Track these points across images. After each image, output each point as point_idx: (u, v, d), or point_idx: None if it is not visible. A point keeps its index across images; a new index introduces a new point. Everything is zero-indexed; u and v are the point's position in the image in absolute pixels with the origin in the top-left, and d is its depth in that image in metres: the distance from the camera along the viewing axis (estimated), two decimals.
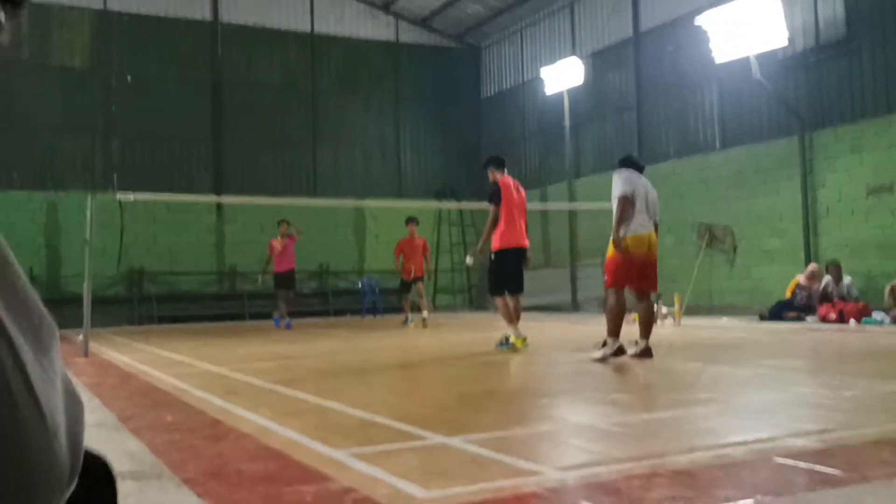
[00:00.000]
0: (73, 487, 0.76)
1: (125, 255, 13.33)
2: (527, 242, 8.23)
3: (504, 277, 8.07)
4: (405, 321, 13.77)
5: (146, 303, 17.89)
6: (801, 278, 12.43)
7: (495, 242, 8.12)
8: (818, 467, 2.79)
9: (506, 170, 8.48)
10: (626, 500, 2.45)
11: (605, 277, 6.90)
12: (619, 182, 6.78)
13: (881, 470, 2.71)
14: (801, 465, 2.84)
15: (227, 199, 16.16)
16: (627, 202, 6.64)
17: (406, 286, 13.94)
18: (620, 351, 6.60)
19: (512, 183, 8.31)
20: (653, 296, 7.30)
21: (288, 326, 14.00)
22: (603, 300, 7.00)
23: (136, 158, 18.15)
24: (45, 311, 0.76)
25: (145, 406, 4.74)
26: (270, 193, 17.86)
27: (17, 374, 0.68)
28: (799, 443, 3.20)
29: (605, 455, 3.11)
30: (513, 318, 7.94)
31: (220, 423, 4.07)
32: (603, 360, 6.51)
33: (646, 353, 6.72)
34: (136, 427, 3.95)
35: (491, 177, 8.36)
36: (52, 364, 0.74)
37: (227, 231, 18.82)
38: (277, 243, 14.03)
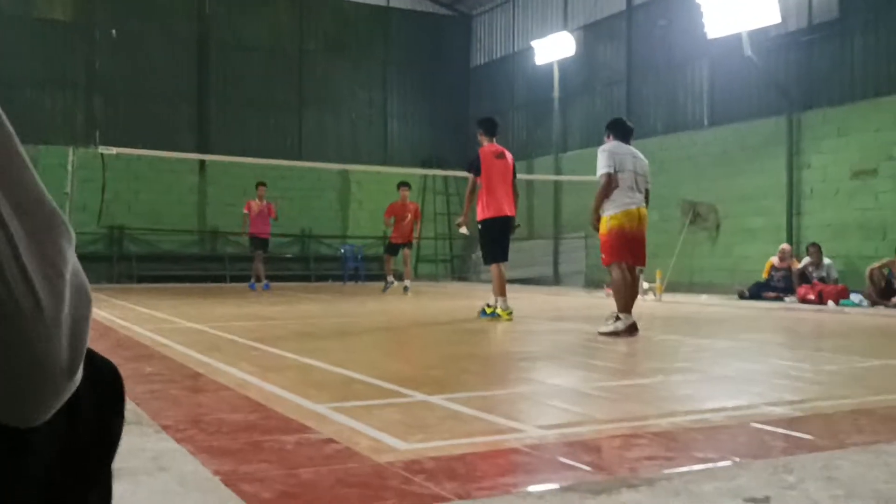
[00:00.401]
0: (73, 386, 0.74)
1: (106, 212, 13.17)
2: (511, 210, 8.14)
3: (490, 246, 8.11)
4: (385, 287, 13.70)
5: (126, 261, 17.75)
6: (774, 259, 12.57)
7: (480, 213, 8.12)
8: (795, 433, 2.82)
9: (495, 136, 8.40)
10: (605, 458, 2.46)
11: (602, 256, 6.80)
12: (604, 159, 6.65)
13: (858, 437, 2.74)
14: (779, 430, 2.86)
15: (211, 157, 16.00)
16: (610, 182, 6.55)
17: (393, 249, 13.87)
18: (633, 328, 6.37)
19: (494, 150, 8.22)
20: (637, 270, 7.22)
21: (266, 288, 14.03)
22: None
23: (119, 115, 17.91)
24: (55, 207, 0.73)
25: (125, 357, 4.70)
26: (255, 156, 17.68)
27: (11, 261, 0.66)
28: (777, 410, 3.22)
29: (585, 416, 3.12)
30: (503, 290, 7.90)
31: (201, 375, 4.05)
32: (613, 334, 6.28)
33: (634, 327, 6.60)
34: None
35: (479, 139, 8.37)
36: (60, 255, 0.72)
37: (210, 192, 18.66)
38: (255, 205, 14.03)
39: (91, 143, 15.44)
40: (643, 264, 7.04)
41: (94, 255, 17.23)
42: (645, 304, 10.64)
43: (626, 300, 6.49)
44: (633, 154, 6.82)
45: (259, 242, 14.25)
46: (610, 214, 6.62)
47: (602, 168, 6.62)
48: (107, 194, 11.58)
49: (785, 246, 12.63)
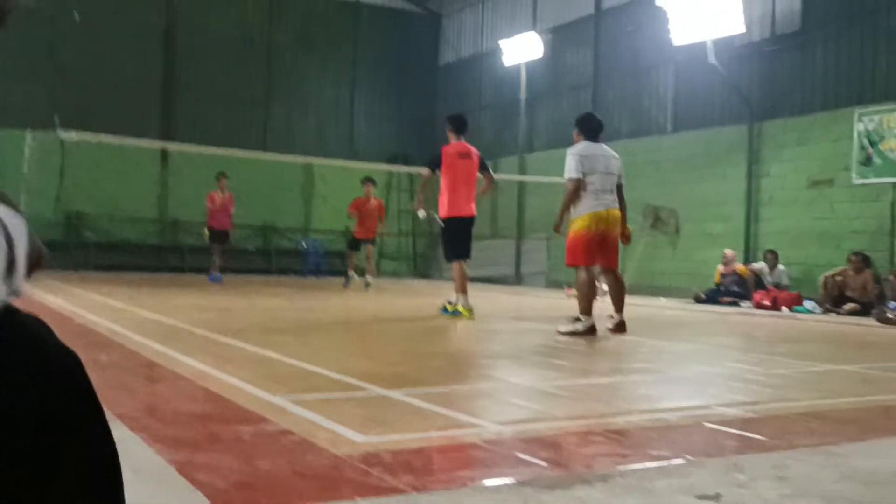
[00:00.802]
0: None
1: (64, 198, 12.94)
2: (471, 210, 8.11)
3: (451, 244, 8.14)
4: (346, 282, 13.66)
5: (83, 249, 17.43)
6: (720, 266, 12.86)
7: (442, 210, 8.13)
8: (748, 434, 2.87)
9: (463, 134, 8.36)
10: (562, 454, 2.49)
11: (566, 257, 6.77)
12: (572, 163, 6.60)
13: (808, 439, 2.80)
14: (732, 431, 2.91)
15: (175, 146, 15.79)
16: (577, 188, 6.52)
17: (356, 244, 13.84)
18: (592, 330, 6.40)
19: (459, 150, 8.19)
20: (596, 272, 7.18)
21: (218, 280, 14.06)
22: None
23: (80, 102, 17.55)
24: None
25: (79, 346, 4.60)
26: (219, 147, 17.49)
27: None
28: (731, 412, 3.28)
29: (543, 413, 3.15)
30: (465, 287, 7.87)
31: (157, 365, 4.00)
32: (572, 334, 6.31)
33: (620, 326, 6.61)
34: None
35: (448, 135, 8.38)
36: None
37: (172, 183, 18.42)
38: (217, 197, 14.03)
39: (51, 127, 15.16)
40: (615, 266, 6.88)
41: (50, 242, 16.81)
42: (604, 306, 10.73)
43: (588, 302, 6.50)
44: (604, 153, 6.75)
45: (219, 235, 14.18)
46: (577, 217, 6.61)
47: (570, 172, 6.57)
48: (66, 180, 11.38)
49: (728, 251, 12.90)
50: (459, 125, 8.41)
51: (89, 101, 17.60)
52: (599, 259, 6.70)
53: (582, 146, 6.72)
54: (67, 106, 17.35)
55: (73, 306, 7.53)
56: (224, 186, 14.11)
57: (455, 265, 8.07)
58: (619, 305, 6.77)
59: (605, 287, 12.51)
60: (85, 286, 11.20)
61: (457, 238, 8.10)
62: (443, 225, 8.19)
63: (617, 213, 6.70)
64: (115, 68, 17.87)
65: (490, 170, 8.53)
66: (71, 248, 17.27)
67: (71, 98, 17.49)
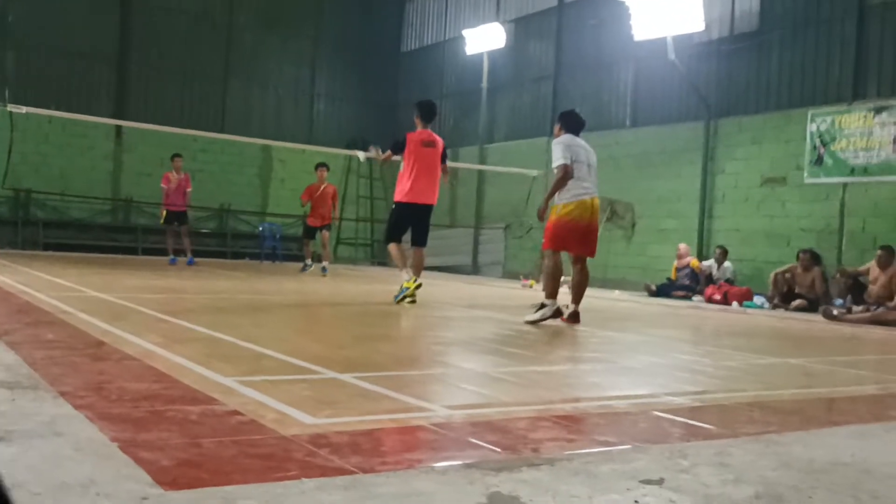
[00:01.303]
0: None
1: (12, 174, 12.59)
2: (430, 199, 8.17)
3: (393, 228, 8.24)
4: (303, 267, 13.62)
5: (31, 227, 17.04)
6: (676, 262, 13.11)
7: (399, 194, 8.16)
8: (693, 422, 2.92)
9: (429, 122, 8.33)
10: (510, 438, 2.50)
11: (544, 240, 6.85)
12: (559, 150, 6.68)
13: (751, 427, 2.86)
14: (678, 419, 2.96)
15: (129, 124, 15.47)
16: (567, 173, 6.58)
17: (310, 232, 13.76)
18: (558, 313, 6.53)
19: (424, 138, 8.20)
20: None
21: (190, 262, 13.84)
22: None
23: (31, 73, 17.12)
24: None
25: (24, 323, 4.52)
26: (175, 125, 17.22)
27: None
28: (678, 400, 3.34)
29: (493, 399, 3.16)
30: (404, 264, 8.01)
31: (104, 344, 3.93)
32: (538, 321, 6.42)
33: (574, 317, 6.65)
34: (13, 341, 3.77)
35: (415, 122, 8.36)
36: None
37: (126, 160, 18.08)
38: (173, 177, 13.82)
39: (0, 99, 14.75)
40: (592, 255, 6.93)
41: None
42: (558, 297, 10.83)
43: (553, 287, 6.61)
44: (585, 147, 6.88)
45: (175, 216, 13.97)
46: (563, 203, 6.67)
47: (558, 159, 6.65)
48: (13, 155, 11.07)
49: (682, 246, 13.13)
50: (426, 113, 8.34)
51: (40, 73, 17.17)
52: (578, 248, 6.79)
53: (565, 137, 6.82)
54: (17, 77, 16.91)
55: (19, 284, 7.36)
56: (179, 167, 13.90)
57: (391, 247, 8.25)
58: (578, 297, 6.83)
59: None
60: (32, 265, 10.96)
61: (400, 223, 8.21)
62: (393, 206, 8.31)
63: (598, 202, 6.85)
64: (67, 39, 17.43)
65: (447, 161, 8.53)
66: (19, 226, 16.88)
67: (22, 69, 17.05)
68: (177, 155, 14.10)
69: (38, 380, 2.89)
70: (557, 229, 6.70)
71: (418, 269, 8.08)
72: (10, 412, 2.39)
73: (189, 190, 14.02)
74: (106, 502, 1.65)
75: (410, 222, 8.22)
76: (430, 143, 8.21)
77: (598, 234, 6.99)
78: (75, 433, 2.19)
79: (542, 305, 6.54)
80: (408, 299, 7.80)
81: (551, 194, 6.71)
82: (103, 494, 1.70)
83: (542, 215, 6.85)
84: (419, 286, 7.89)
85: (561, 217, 6.67)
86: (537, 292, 12.34)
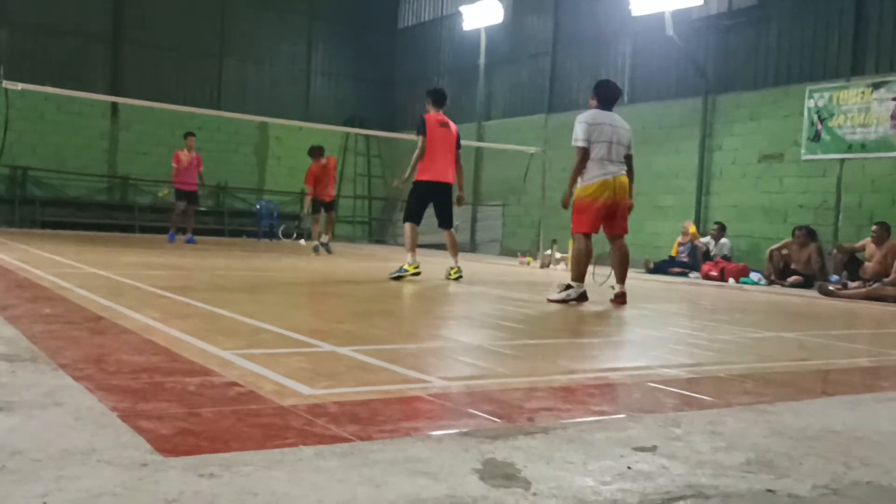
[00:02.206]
0: None
1: (8, 152, 12.58)
2: (449, 178, 8.40)
3: (414, 207, 8.36)
4: (316, 248, 13.29)
5: (29, 205, 17.04)
6: (680, 238, 13.14)
7: (418, 173, 8.37)
8: (687, 392, 2.95)
9: (442, 108, 8.57)
10: (506, 408, 2.53)
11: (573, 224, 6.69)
12: (579, 130, 6.49)
13: (744, 398, 2.89)
14: (673, 389, 2.99)
15: (125, 101, 15.40)
16: (585, 156, 6.46)
17: (318, 207, 13.48)
18: (584, 297, 6.49)
19: (439, 119, 8.43)
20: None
21: (190, 241, 13.78)
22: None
23: (26, 51, 17.04)
24: None
25: (23, 299, 4.54)
26: (171, 103, 17.17)
27: None
28: (672, 372, 3.37)
29: (489, 370, 3.19)
30: (413, 248, 8.22)
31: (103, 318, 3.95)
32: (562, 302, 6.36)
33: (619, 297, 6.54)
34: (12, 316, 3.79)
35: (427, 108, 8.57)
36: None
37: (122, 138, 18.04)
38: (184, 156, 13.73)
39: None
40: (624, 232, 6.79)
41: None
42: (556, 274, 10.87)
43: (580, 271, 6.51)
44: (613, 123, 6.59)
45: (186, 195, 13.94)
46: (583, 185, 6.53)
47: (576, 141, 6.49)
48: (10, 133, 11.04)
49: (687, 223, 13.15)
50: (438, 98, 8.59)
51: (35, 50, 17.09)
52: (607, 228, 6.67)
53: (590, 114, 6.60)
54: (12, 54, 16.82)
55: (17, 261, 7.38)
56: (191, 146, 13.84)
57: (407, 226, 8.35)
58: (620, 276, 6.69)
59: (557, 255, 12.71)
60: (30, 242, 10.96)
61: (420, 202, 8.36)
62: (412, 186, 8.39)
63: (625, 180, 6.59)
64: (62, 16, 17.34)
65: (459, 147, 8.63)
66: (17, 204, 16.87)
67: (17, 46, 16.96)
68: (190, 133, 14.05)
69: (37, 353, 2.91)
70: (579, 212, 6.57)
71: (453, 249, 8.54)
72: (10, 384, 2.41)
73: (200, 170, 14.00)
74: (107, 468, 1.67)
75: (430, 202, 8.39)
76: (445, 125, 8.44)
77: (629, 210, 6.76)
78: (75, 403, 2.22)
79: (568, 286, 6.48)
80: (454, 277, 8.28)
81: (573, 179, 6.59)
82: (104, 461, 1.72)
83: (566, 202, 6.69)
84: (460, 273, 8.34)
85: (581, 200, 6.54)
86: (534, 269, 12.39)
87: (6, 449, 1.77)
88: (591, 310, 6.16)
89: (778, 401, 2.86)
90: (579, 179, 6.56)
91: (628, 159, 6.66)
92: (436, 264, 9.72)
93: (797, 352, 4.42)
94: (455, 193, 8.63)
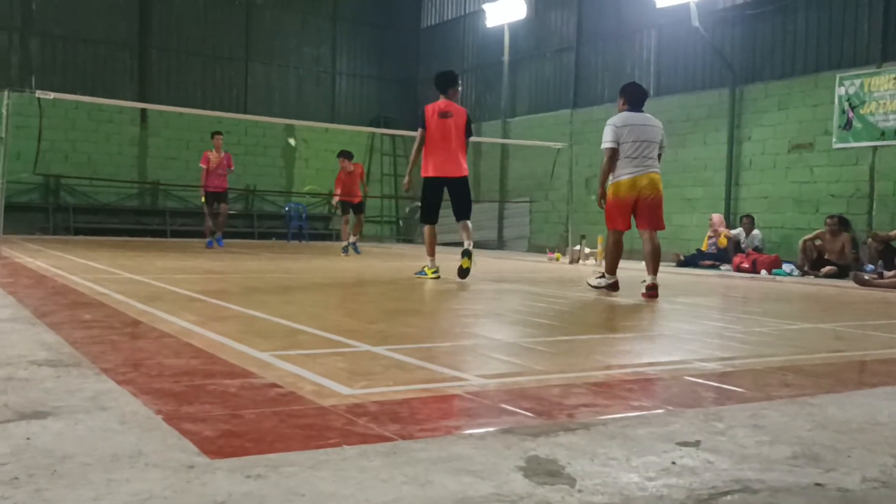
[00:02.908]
0: None
1: (42, 160, 12.77)
2: (454, 171, 7.97)
3: (423, 206, 8.15)
4: (345, 248, 13.34)
5: (62, 213, 17.31)
6: (709, 231, 13.04)
7: (422, 170, 8.08)
8: (726, 386, 2.93)
9: (445, 92, 8.08)
10: (545, 404, 2.53)
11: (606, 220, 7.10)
12: (608, 133, 6.81)
13: (785, 391, 2.86)
14: (711, 383, 2.97)
15: (153, 107, 15.59)
16: (613, 157, 6.77)
17: (347, 209, 13.46)
18: (614, 287, 6.91)
19: (440, 108, 7.96)
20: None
21: (210, 245, 13.56)
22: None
23: (56, 61, 17.31)
24: None
25: (62, 305, 4.61)
26: (198, 108, 17.33)
27: None
28: (710, 366, 3.34)
29: (525, 367, 3.19)
30: (432, 251, 8.08)
31: (141, 323, 4.01)
32: (597, 288, 6.96)
33: (650, 290, 6.65)
34: (53, 322, 3.85)
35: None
36: None
37: (151, 144, 18.25)
38: (213, 156, 13.39)
39: (27, 87, 14.90)
40: (659, 227, 6.94)
41: (29, 205, 16.78)
42: (586, 269, 10.82)
43: (612, 263, 6.99)
44: (643, 122, 6.82)
45: (215, 197, 13.58)
46: (613, 182, 6.84)
47: (604, 143, 6.83)
48: (43, 143, 11.21)
49: (714, 216, 13.03)
50: (439, 83, 8.15)
51: (65, 60, 17.36)
52: (638, 223, 6.91)
53: (619, 116, 6.88)
54: (43, 65, 17.10)
55: (53, 268, 7.50)
56: (219, 146, 13.48)
57: (424, 229, 8.20)
58: (651, 268, 6.78)
59: (586, 250, 12.65)
60: (65, 249, 11.13)
61: (427, 199, 8.09)
62: (423, 184, 8.15)
63: (655, 176, 6.80)
64: (90, 26, 17.60)
65: (470, 134, 8.18)
66: (50, 211, 17.13)
67: (47, 57, 17.23)
68: (216, 133, 13.67)
69: (79, 358, 2.96)
70: (609, 208, 6.92)
71: (467, 234, 8.07)
72: (55, 389, 2.45)
73: (231, 169, 13.64)
74: (155, 471, 1.70)
75: (438, 198, 8.08)
76: (446, 114, 7.95)
77: (662, 206, 6.98)
78: (120, 407, 2.25)
79: (603, 275, 7.01)
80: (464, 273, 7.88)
81: (603, 179, 6.92)
82: (151, 464, 1.74)
83: (601, 201, 7.00)
84: (467, 256, 7.88)
85: (612, 197, 6.86)
86: (563, 265, 12.34)
87: (56, 454, 1.80)
88: (623, 304, 6.13)
89: (819, 393, 2.83)
90: (611, 178, 6.85)
91: (660, 155, 6.94)
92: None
93: (835, 343, 4.36)
94: (468, 185, 8.24)
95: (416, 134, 8.09)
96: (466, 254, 7.87)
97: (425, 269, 8.02)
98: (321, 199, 19.20)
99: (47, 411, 2.17)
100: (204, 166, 13.47)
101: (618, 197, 6.79)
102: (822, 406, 2.59)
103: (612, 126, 6.81)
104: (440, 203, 8.16)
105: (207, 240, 13.78)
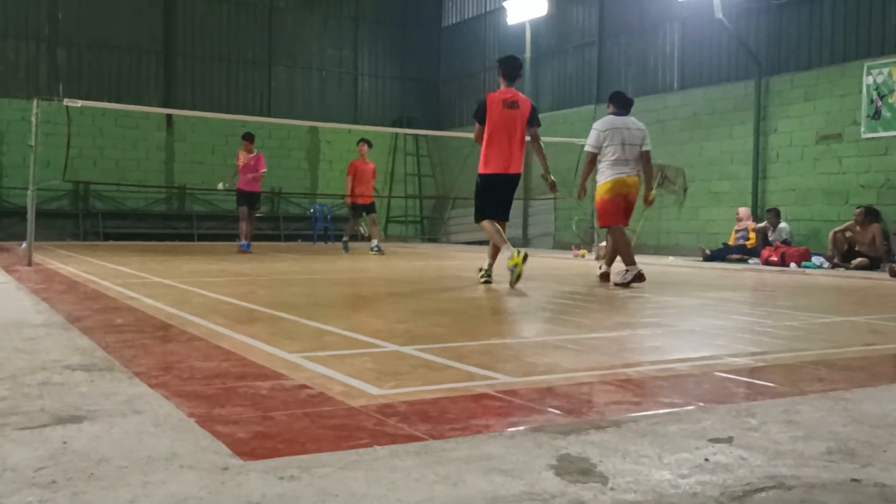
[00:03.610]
0: None
1: (71, 167, 12.94)
2: (511, 168, 7.20)
3: (482, 205, 7.32)
4: (345, 246, 13.40)
5: (91, 218, 17.53)
6: (736, 225, 12.93)
7: (480, 165, 7.33)
8: (758, 381, 2.90)
9: (514, 80, 7.30)
10: (574, 402, 2.52)
11: (598, 221, 7.85)
12: (591, 137, 7.53)
13: (817, 385, 2.83)
14: (742, 379, 2.94)
15: (179, 112, 15.73)
16: (592, 159, 7.57)
17: (360, 211, 13.65)
18: (641, 277, 7.25)
19: (504, 98, 7.19)
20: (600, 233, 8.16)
21: (246, 248, 12.91)
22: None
23: (82, 68, 17.53)
24: None
25: (94, 310, 4.67)
26: (223, 112, 17.46)
27: None
28: (740, 361, 3.31)
29: (554, 365, 3.18)
30: (502, 238, 7.15)
31: (172, 326, 4.05)
32: (624, 284, 7.22)
33: (604, 277, 7.67)
34: (86, 327, 3.91)
35: (498, 82, 7.44)
36: None
37: (178, 149, 18.43)
38: (242, 156, 13.12)
39: (55, 95, 15.11)
40: (626, 224, 7.72)
41: (59, 212, 17.01)
42: (613, 266, 10.76)
43: (627, 256, 7.37)
44: (626, 126, 7.46)
45: (244, 197, 13.06)
46: (602, 183, 7.51)
47: (587, 146, 7.59)
48: (71, 150, 11.35)
49: (741, 209, 12.91)
50: (509, 69, 7.29)
51: (91, 68, 17.58)
52: (622, 219, 7.63)
53: (603, 121, 7.60)
54: (70, 73, 17.34)
55: (84, 273, 7.59)
56: (248, 148, 13.09)
57: (484, 224, 7.32)
58: (610, 259, 7.79)
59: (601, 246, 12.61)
60: (95, 254, 11.27)
61: (485, 198, 7.28)
62: (477, 181, 7.37)
63: (636, 179, 7.53)
64: (115, 33, 17.82)
65: (537, 124, 7.36)
66: (80, 217, 17.36)
67: (74, 65, 17.47)
68: (248, 134, 13.26)
69: (112, 362, 3.00)
70: (603, 208, 7.56)
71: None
72: (90, 393, 2.49)
73: (263, 171, 13.13)
74: (190, 473, 1.71)
75: (496, 196, 7.29)
76: (513, 104, 7.18)
77: (652, 203, 7.98)
78: (153, 410, 2.28)
79: (627, 271, 7.28)
80: (515, 276, 6.90)
81: (584, 177, 7.76)
82: (186, 466, 1.76)
83: (580, 194, 7.98)
84: (488, 276, 7.25)
85: (603, 197, 7.51)
86: (589, 261, 12.29)
87: (92, 457, 1.82)
88: (651, 301, 6.09)
89: (854, 387, 2.79)
90: (599, 178, 7.54)
91: (644, 155, 7.56)
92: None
93: (869, 336, 4.30)
94: (519, 183, 7.55)
95: (476, 127, 7.33)
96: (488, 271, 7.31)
97: (509, 264, 6.87)
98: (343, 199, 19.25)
99: (83, 415, 2.20)
100: (238, 164, 13.17)
101: (611, 196, 7.44)
102: (857, 401, 2.56)
103: (596, 131, 7.52)
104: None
105: (241, 242, 13.19)
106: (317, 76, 20.25)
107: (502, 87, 7.33)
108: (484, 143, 7.20)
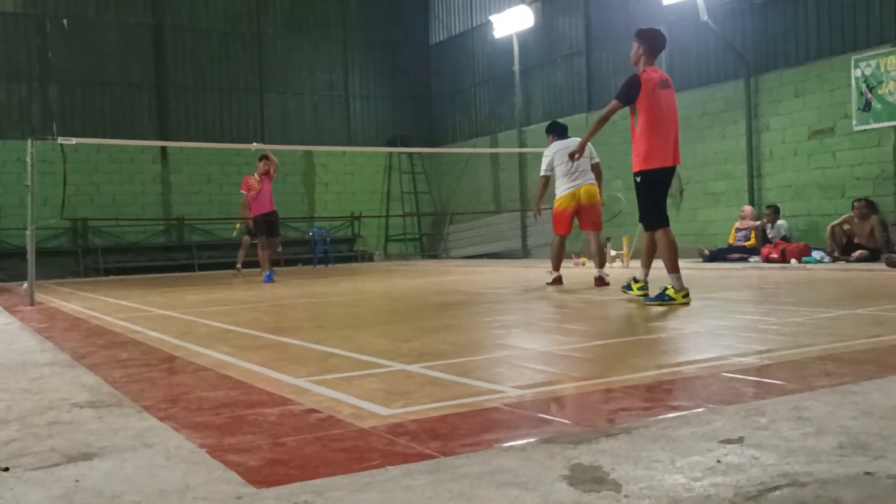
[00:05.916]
0: None
1: (68, 205, 12.97)
2: (678, 158, 6.15)
3: (654, 207, 6.16)
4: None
5: (91, 255, 17.52)
6: (737, 223, 12.91)
7: (640, 161, 6.05)
8: (766, 380, 2.90)
9: (656, 56, 6.29)
10: (583, 411, 2.52)
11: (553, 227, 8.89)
12: (543, 162, 8.83)
13: (826, 380, 2.83)
14: (750, 378, 2.94)
15: (172, 144, 15.77)
16: (545, 183, 8.89)
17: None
18: (559, 280, 8.70)
19: (660, 77, 6.09)
20: (602, 238, 8.98)
21: (270, 279, 11.78)
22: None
23: (75, 106, 17.59)
24: None
25: (98, 346, 4.68)
26: (216, 141, 17.51)
27: None
28: (747, 360, 3.31)
29: (561, 375, 3.18)
30: (674, 263, 6.05)
31: (177, 358, 4.05)
32: (548, 283, 8.66)
33: (599, 281, 8.26)
34: (91, 364, 3.91)
35: (636, 61, 6.27)
36: None
37: (174, 181, 18.45)
38: (254, 181, 12.38)
39: (49, 134, 15.16)
40: (598, 228, 8.73)
41: (58, 250, 17.01)
42: (613, 271, 10.76)
43: (557, 261, 8.76)
44: (569, 146, 8.03)
45: (264, 225, 12.26)
46: (556, 198, 8.69)
47: (541, 172, 8.87)
48: (68, 187, 11.37)
49: (746, 207, 12.92)
50: (652, 44, 6.22)
51: (84, 105, 17.63)
52: (582, 225, 8.74)
53: (551, 147, 8.85)
54: (63, 111, 17.39)
55: (87, 309, 7.59)
56: (263, 171, 12.45)
57: (659, 235, 6.14)
58: (598, 262, 8.50)
59: (612, 252, 12.62)
60: (96, 290, 11.27)
61: (655, 197, 6.14)
62: (638, 181, 6.19)
63: (591, 188, 8.58)
64: (106, 69, 17.87)
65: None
66: (79, 254, 17.36)
67: (66, 103, 17.52)
68: (263, 156, 12.68)
69: (120, 397, 3.00)
70: (555, 219, 8.77)
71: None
72: (99, 429, 2.49)
73: (243, 193, 12.58)
74: None
75: (663, 194, 6.19)
76: (666, 84, 6.12)
77: (602, 206, 8.93)
78: (164, 443, 2.28)
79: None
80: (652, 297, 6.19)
81: (538, 198, 8.98)
82: (200, 497, 1.76)
83: (536, 215, 9.27)
84: (686, 295, 5.96)
85: (556, 209, 8.70)
86: (589, 269, 12.28)
87: (105, 493, 1.82)
88: (654, 304, 6.09)
89: (862, 380, 2.79)
90: (556, 192, 8.67)
91: (595, 167, 8.72)
92: (490, 273, 9.69)
93: (874, 328, 4.30)
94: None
95: (610, 105, 6.25)
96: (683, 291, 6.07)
97: (669, 290, 5.95)
98: (343, 221, 19.27)
99: (93, 452, 2.20)
100: (244, 192, 12.49)
101: (562, 208, 8.61)
102: (866, 393, 2.56)
103: (547, 157, 8.75)
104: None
105: (267, 273, 11.95)
106: (309, 101, 20.31)
107: (642, 67, 6.17)
108: (640, 132, 6.02)
